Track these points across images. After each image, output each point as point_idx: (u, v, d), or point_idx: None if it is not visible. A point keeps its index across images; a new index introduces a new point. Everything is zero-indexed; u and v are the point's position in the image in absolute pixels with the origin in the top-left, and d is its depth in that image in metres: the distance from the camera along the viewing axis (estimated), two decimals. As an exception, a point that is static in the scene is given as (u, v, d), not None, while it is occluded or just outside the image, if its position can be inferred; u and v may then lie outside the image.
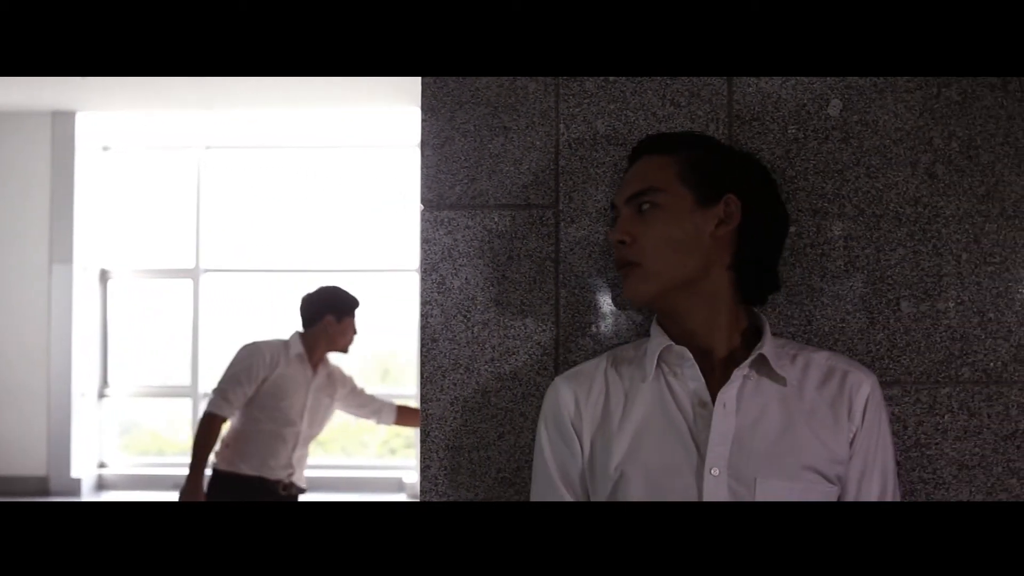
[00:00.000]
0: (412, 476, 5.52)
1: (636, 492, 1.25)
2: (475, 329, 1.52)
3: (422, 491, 1.53)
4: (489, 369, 1.51)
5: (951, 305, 1.48)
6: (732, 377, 1.26)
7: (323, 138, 5.97)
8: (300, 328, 3.67)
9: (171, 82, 4.93)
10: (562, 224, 1.52)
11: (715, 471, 1.23)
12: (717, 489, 1.22)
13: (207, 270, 5.93)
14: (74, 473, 5.73)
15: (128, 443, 6.16)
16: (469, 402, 1.51)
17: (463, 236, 1.52)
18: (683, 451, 1.26)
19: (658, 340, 1.31)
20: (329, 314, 3.63)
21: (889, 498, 1.30)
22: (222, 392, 3.49)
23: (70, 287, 5.75)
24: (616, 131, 1.52)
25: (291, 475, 3.60)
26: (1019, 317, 1.47)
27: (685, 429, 1.27)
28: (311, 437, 3.69)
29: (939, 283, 1.48)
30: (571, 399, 1.34)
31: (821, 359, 1.32)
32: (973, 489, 1.46)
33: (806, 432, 1.26)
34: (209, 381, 5.79)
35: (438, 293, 1.53)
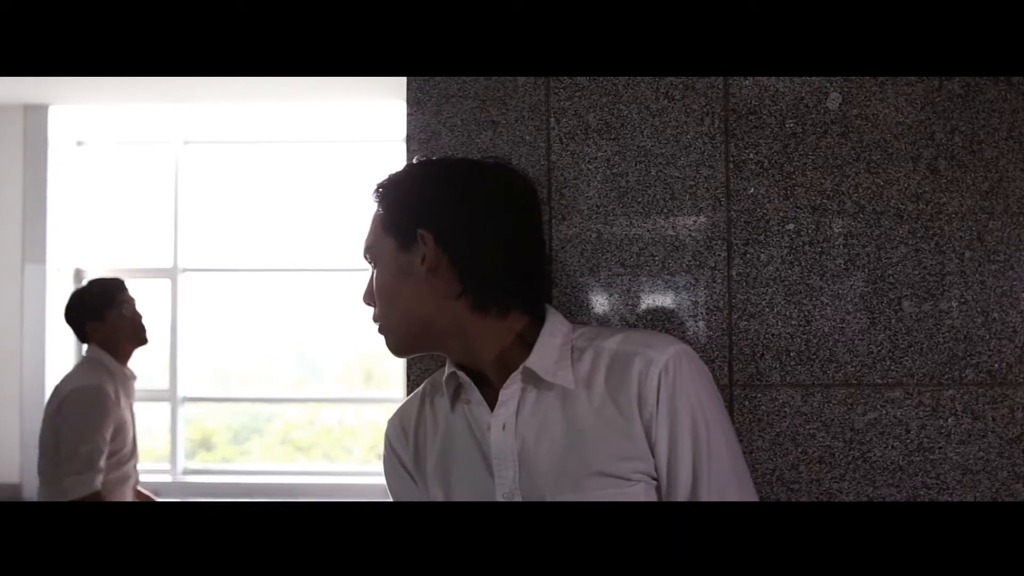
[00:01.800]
0: (399, 482, 5.50)
1: None
2: (463, 331, 1.51)
3: (408, 499, 1.53)
4: (478, 372, 1.50)
5: (954, 305, 1.48)
6: (500, 397, 1.24)
7: (306, 133, 5.95)
8: (91, 343, 3.22)
9: (148, 75, 4.90)
10: (553, 221, 1.51)
11: (505, 496, 1.22)
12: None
13: (186, 269, 5.91)
14: (48, 480, 5.69)
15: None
16: (457, 406, 1.50)
17: (450, 234, 1.51)
18: (480, 479, 1.25)
19: (447, 368, 1.30)
20: (88, 321, 3.19)
21: (704, 480, 1.19)
22: (91, 462, 2.94)
23: (43, 288, 5.71)
24: (609, 125, 1.52)
25: None
26: (1024, 317, 1.48)
27: (480, 456, 1.26)
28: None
29: (942, 282, 1.48)
30: (397, 436, 1.38)
31: (612, 346, 1.24)
32: (977, 494, 1.46)
33: (593, 435, 1.20)
34: (188, 385, 5.77)
35: (425, 293, 1.52)
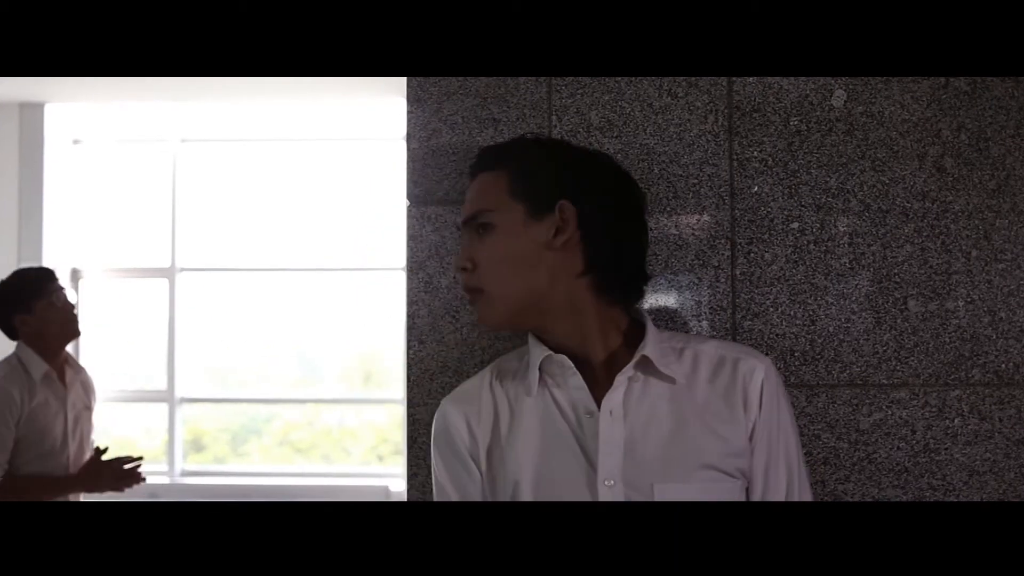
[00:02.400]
0: (399, 484, 5.51)
1: None
2: (464, 330, 1.52)
3: (409, 500, 1.53)
4: (480, 371, 1.50)
5: (961, 304, 1.48)
6: (615, 382, 1.25)
7: (304, 131, 5.95)
8: (19, 340, 3.07)
9: (145, 72, 4.90)
10: (555, 220, 1.51)
11: (609, 482, 1.22)
12: (613, 500, 1.22)
13: (184, 269, 5.91)
14: (44, 482, 5.69)
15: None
16: (458, 407, 1.50)
17: (451, 233, 1.52)
18: (575, 464, 1.25)
19: (537, 351, 1.29)
20: (15, 314, 3.02)
21: (796, 487, 1.28)
22: None
23: (39, 287, 5.70)
24: (611, 123, 1.52)
25: None
26: (1031, 316, 1.48)
27: (574, 441, 1.26)
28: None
29: (948, 281, 1.48)
30: (462, 422, 1.33)
31: (710, 349, 1.31)
32: (984, 495, 1.46)
33: (700, 429, 1.25)
34: (186, 385, 5.77)
35: (425, 292, 1.52)
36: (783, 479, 1.27)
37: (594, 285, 1.27)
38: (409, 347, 1.53)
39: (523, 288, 1.26)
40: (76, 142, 6.02)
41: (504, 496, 1.28)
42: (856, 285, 1.49)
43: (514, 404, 1.32)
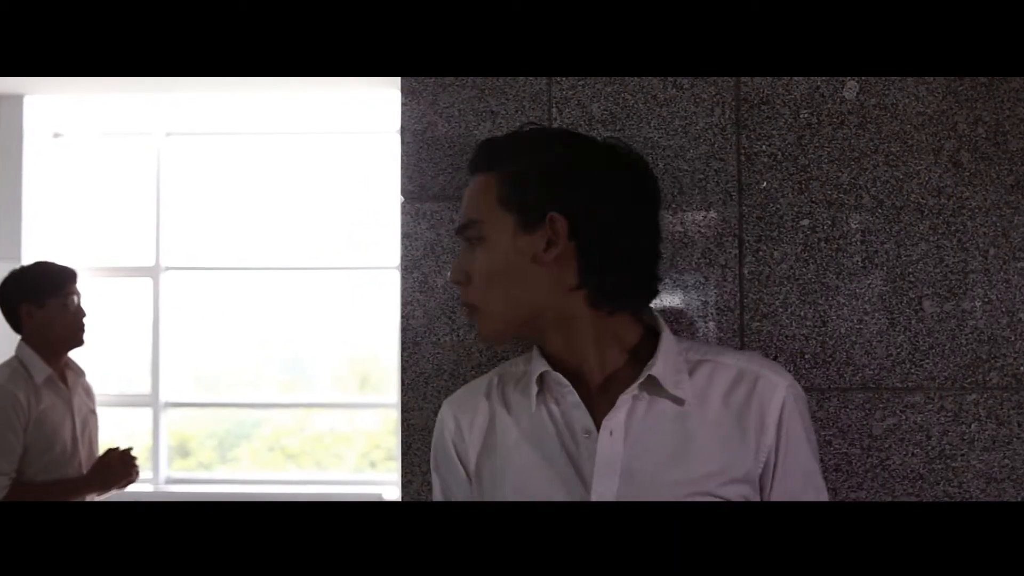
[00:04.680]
0: (393, 492, 5.52)
1: None
2: (460, 332, 1.52)
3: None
4: (476, 375, 1.50)
5: (978, 305, 1.48)
6: (618, 402, 1.23)
7: (295, 124, 5.95)
8: (21, 335, 3.08)
9: (128, 63, 4.90)
10: (555, 217, 1.52)
11: None
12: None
13: (168, 268, 5.91)
14: (23, 490, 5.69)
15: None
16: (454, 412, 1.50)
17: (447, 230, 1.52)
18: (566, 485, 1.23)
19: (537, 364, 1.28)
20: (24, 303, 3.02)
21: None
22: None
23: (18, 287, 5.70)
24: (613, 115, 1.52)
25: None
26: (1051, 317, 1.48)
27: (567, 461, 1.24)
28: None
29: (964, 281, 1.48)
30: (453, 425, 1.33)
31: (730, 361, 1.27)
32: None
33: (706, 452, 1.22)
34: (172, 389, 5.78)
35: (420, 292, 1.52)
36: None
37: (590, 298, 1.24)
38: (403, 349, 1.53)
39: (514, 305, 1.25)
40: (56, 135, 6.02)
41: None
42: (869, 285, 1.49)
43: (514, 415, 1.30)
